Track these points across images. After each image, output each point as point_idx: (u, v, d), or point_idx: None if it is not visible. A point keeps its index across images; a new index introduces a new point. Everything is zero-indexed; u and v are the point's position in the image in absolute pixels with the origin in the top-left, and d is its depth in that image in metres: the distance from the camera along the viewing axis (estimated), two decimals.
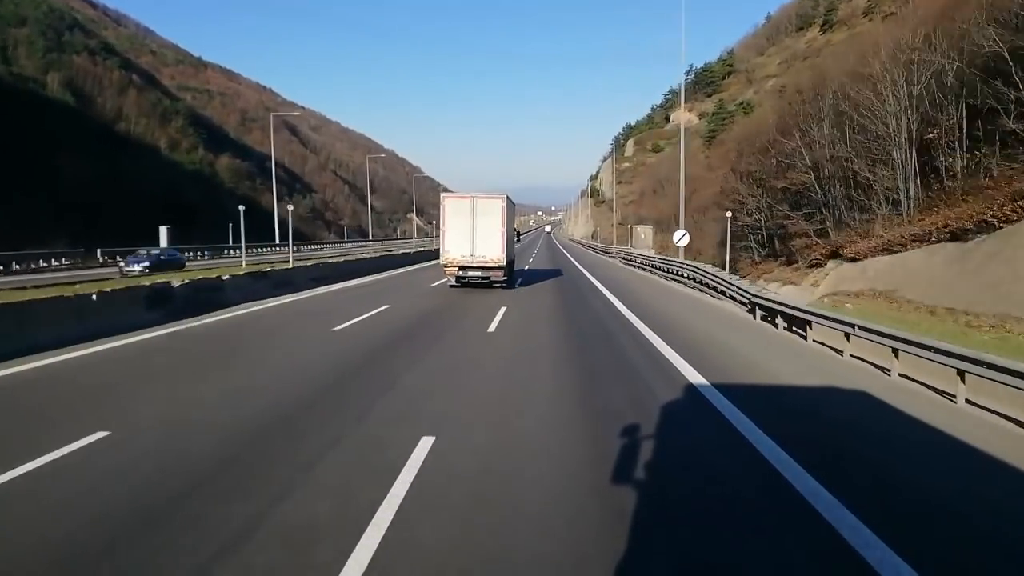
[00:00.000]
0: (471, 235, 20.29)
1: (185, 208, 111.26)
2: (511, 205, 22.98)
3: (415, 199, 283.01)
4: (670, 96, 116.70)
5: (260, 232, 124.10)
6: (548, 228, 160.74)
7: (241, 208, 39.32)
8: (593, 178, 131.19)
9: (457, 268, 20.86)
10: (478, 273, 20.68)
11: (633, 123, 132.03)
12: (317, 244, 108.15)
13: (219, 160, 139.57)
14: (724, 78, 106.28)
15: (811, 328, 13.47)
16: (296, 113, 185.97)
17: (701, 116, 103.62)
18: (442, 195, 22.52)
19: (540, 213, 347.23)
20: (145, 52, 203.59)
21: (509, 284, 22.17)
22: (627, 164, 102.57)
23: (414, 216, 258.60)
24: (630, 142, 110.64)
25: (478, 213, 20.32)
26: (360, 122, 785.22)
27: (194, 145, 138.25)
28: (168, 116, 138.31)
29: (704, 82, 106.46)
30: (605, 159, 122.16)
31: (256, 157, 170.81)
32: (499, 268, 20.73)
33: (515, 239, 27.23)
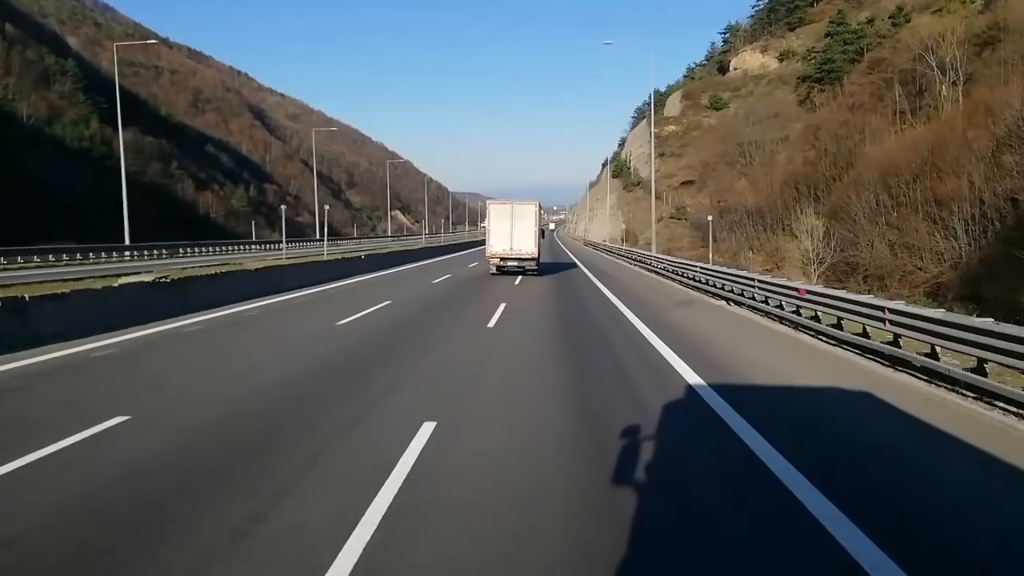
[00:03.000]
0: (510, 233, 24.08)
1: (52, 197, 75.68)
2: (540, 209, 26.23)
3: (403, 195, 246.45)
4: (727, 35, 78.67)
5: (172, 227, 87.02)
6: (552, 226, 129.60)
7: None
8: (612, 159, 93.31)
9: (499, 259, 24.58)
10: (515, 263, 24.46)
11: (664, 88, 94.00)
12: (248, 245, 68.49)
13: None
14: (814, 4, 68.30)
15: None
16: (268, 96, 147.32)
17: (783, 57, 65.44)
18: (488, 202, 26.66)
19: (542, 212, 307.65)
20: (87, 24, 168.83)
21: (538, 272, 25.34)
22: (672, 128, 65.66)
23: (399, 212, 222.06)
24: (674, 98, 73.10)
25: (516, 216, 24.13)
26: (351, 115, 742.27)
27: (84, 116, 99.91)
28: (50, 78, 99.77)
29: (785, 7, 68.49)
30: (635, 123, 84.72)
31: (193, 139, 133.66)
32: (532, 259, 24.47)
33: (542, 236, 27.86)
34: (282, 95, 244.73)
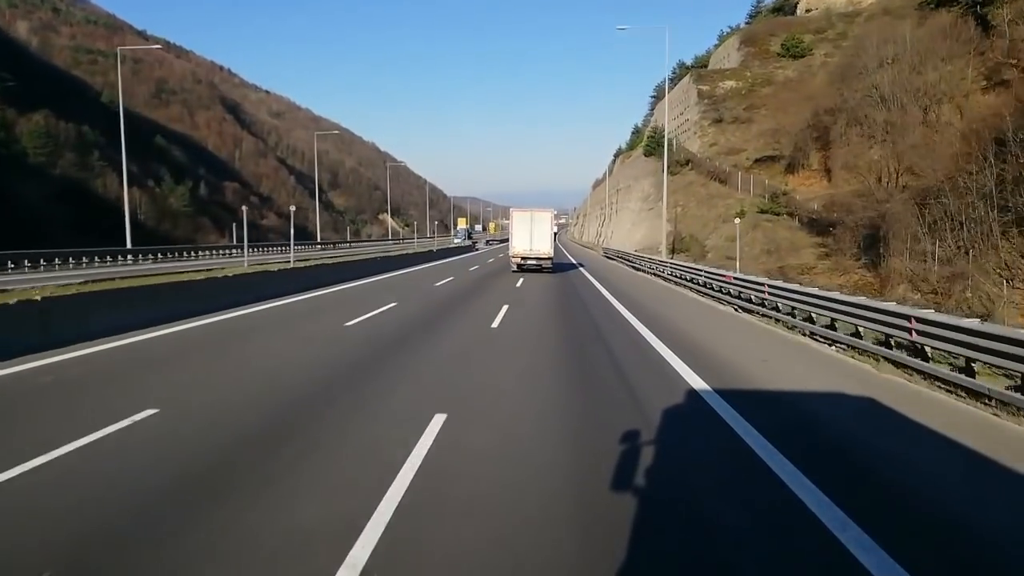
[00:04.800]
0: (530, 236, 26.60)
1: None
2: (554, 215, 29.58)
3: (393, 198, 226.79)
4: None
5: (86, 231, 66.48)
6: (555, 229, 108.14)
7: None
8: (632, 140, 72.12)
9: (520, 258, 26.91)
10: (534, 261, 26.71)
11: (691, 60, 72.60)
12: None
13: (27, 119, 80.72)
14: None
15: None
16: (251, 92, 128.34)
17: None
18: (511, 209, 29.15)
19: None
20: (44, 8, 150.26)
21: (553, 270, 27.56)
22: (730, 84, 44.75)
23: (388, 216, 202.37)
24: (728, 46, 52.17)
25: (534, 221, 26.79)
26: (342, 115, 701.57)
27: None
28: None
29: None
30: (654, 103, 63.62)
31: (141, 129, 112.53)
32: (548, 259, 26.92)
33: (555, 238, 30.73)
34: (266, 92, 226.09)
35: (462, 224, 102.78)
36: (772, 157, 35.81)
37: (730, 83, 44.34)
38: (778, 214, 27.69)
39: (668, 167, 41.86)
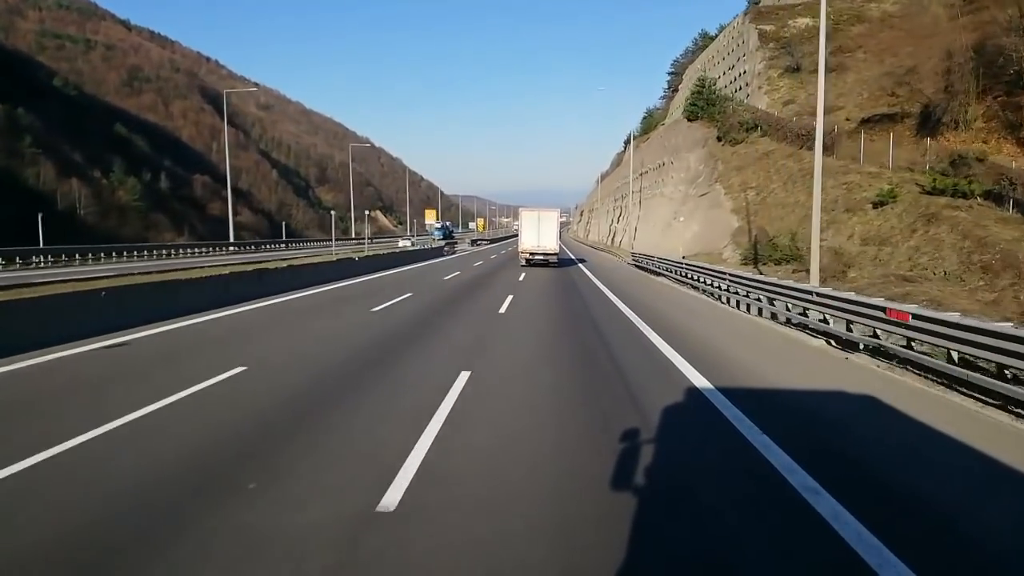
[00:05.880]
0: (537, 233, 27.94)
1: None
2: (559, 215, 30.82)
3: (385, 195, 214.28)
4: None
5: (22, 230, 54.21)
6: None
7: None
8: (645, 124, 59.80)
9: (528, 253, 28.28)
10: (541, 256, 28.12)
11: (716, 29, 59.94)
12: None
13: None
14: None
15: None
16: (238, 84, 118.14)
17: None
18: (520, 209, 30.35)
19: None
20: None
21: (558, 265, 28.95)
22: (804, 22, 32.13)
23: (380, 213, 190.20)
24: None
25: (542, 220, 28.13)
26: (338, 111, 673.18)
27: None
28: None
29: None
30: (679, 68, 50.82)
31: (102, 116, 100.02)
32: (554, 254, 28.39)
33: (559, 235, 31.90)
34: (256, 84, 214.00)
35: (430, 218, 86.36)
36: (889, 115, 23.71)
37: (804, 20, 32.15)
38: (966, 195, 15.26)
39: (726, 134, 29.54)
